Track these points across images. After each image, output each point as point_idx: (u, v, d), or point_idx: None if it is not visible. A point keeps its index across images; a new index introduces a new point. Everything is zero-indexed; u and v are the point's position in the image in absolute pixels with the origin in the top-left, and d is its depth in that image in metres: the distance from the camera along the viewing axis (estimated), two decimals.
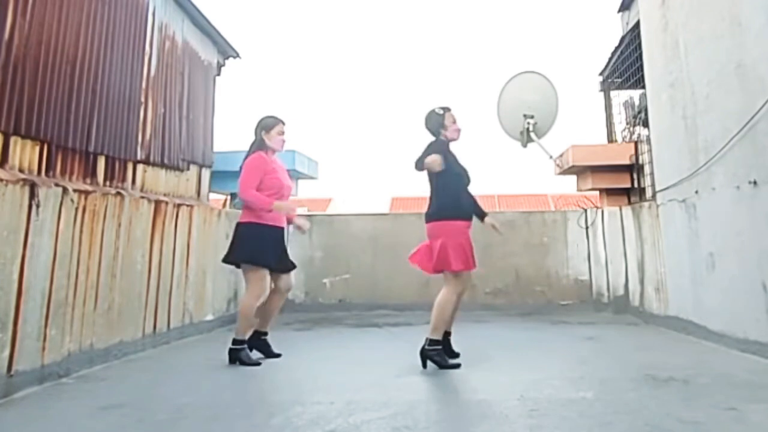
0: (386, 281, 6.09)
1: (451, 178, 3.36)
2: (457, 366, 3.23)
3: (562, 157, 6.98)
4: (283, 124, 3.70)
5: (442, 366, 3.20)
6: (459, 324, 4.29)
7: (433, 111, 3.56)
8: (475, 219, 3.54)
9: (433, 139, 3.52)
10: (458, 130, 3.55)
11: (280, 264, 3.57)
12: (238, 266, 3.56)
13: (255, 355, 3.57)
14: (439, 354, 3.25)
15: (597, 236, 6.00)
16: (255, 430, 2.21)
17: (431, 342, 3.24)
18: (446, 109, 3.56)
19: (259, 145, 3.62)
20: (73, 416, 2.42)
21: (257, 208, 3.46)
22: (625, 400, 2.51)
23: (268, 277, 3.50)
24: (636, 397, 2.54)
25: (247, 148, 3.66)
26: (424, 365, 3.23)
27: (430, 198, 3.44)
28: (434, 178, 3.38)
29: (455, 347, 3.49)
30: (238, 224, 3.53)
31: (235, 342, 3.45)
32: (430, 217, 3.36)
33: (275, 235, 3.54)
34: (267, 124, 3.64)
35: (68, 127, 3.46)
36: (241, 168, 3.56)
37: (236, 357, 3.42)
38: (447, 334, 3.44)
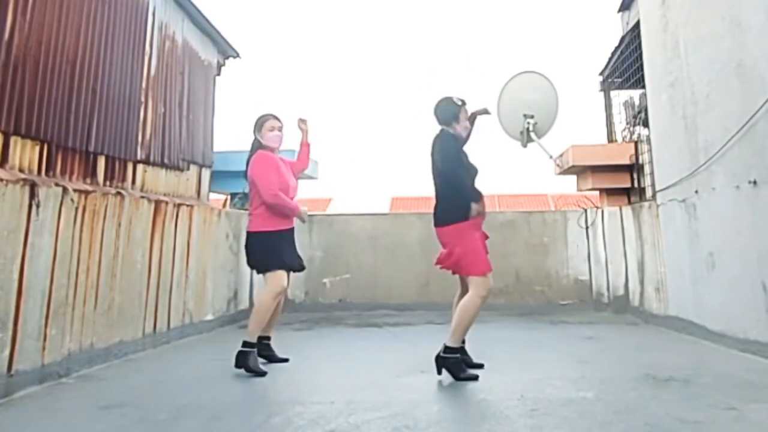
0: (386, 281, 6.10)
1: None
2: (475, 378, 2.94)
3: (562, 157, 6.98)
4: (275, 119, 3.55)
5: (459, 378, 2.92)
6: None
7: (450, 99, 3.29)
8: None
9: (439, 129, 3.27)
10: (466, 128, 3.33)
11: (295, 262, 3.49)
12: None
13: (260, 361, 3.41)
14: (456, 363, 2.96)
15: (597, 236, 6.00)
16: (255, 430, 2.21)
17: (447, 349, 2.97)
18: (464, 103, 3.31)
19: (257, 146, 3.53)
20: (73, 416, 2.42)
21: (285, 212, 3.39)
22: (626, 400, 2.51)
23: (286, 275, 3.39)
24: (636, 397, 2.54)
25: (244, 148, 3.59)
26: (439, 371, 2.98)
27: (436, 198, 3.21)
28: (438, 175, 3.17)
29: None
30: (249, 234, 3.41)
31: (245, 344, 3.24)
32: (438, 220, 3.15)
33: (287, 237, 3.47)
34: (257, 124, 3.54)
35: (68, 127, 3.46)
36: (245, 173, 3.46)
37: (244, 362, 3.19)
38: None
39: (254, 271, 3.57)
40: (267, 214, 3.39)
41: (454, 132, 3.26)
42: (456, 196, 3.09)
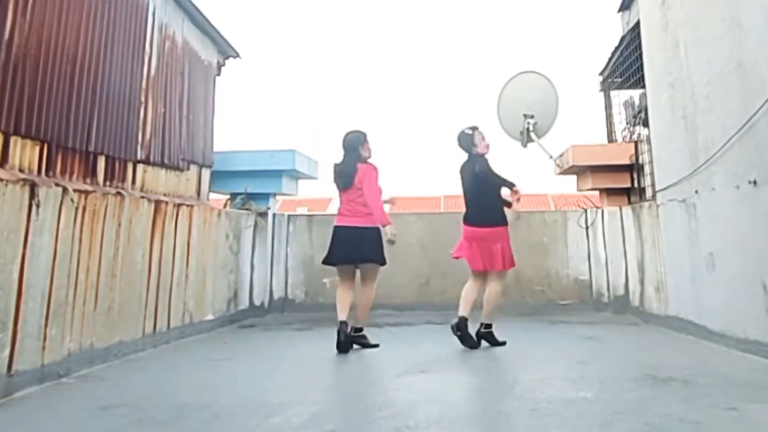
0: (386, 281, 6.05)
1: (496, 189, 3.97)
2: (503, 343, 3.91)
3: (562, 157, 6.97)
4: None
5: (497, 343, 3.89)
6: None
7: (463, 132, 4.03)
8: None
9: (468, 155, 4.03)
10: (487, 146, 4.02)
11: (343, 257, 3.95)
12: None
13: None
14: (492, 335, 3.91)
15: (597, 236, 6.00)
16: (254, 430, 2.21)
17: (487, 326, 3.90)
18: (474, 128, 4.01)
19: (362, 159, 4.00)
20: (73, 416, 2.42)
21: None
22: (626, 400, 2.51)
23: (341, 274, 4.02)
24: (636, 397, 2.54)
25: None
26: (479, 344, 3.84)
27: (478, 203, 3.91)
28: (484, 185, 3.90)
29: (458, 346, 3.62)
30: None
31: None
32: (488, 222, 3.85)
33: (339, 234, 4.01)
34: (362, 139, 4.06)
35: (68, 127, 3.46)
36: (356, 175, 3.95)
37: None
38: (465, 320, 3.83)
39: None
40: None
41: (481, 153, 3.97)
42: (500, 205, 3.95)
